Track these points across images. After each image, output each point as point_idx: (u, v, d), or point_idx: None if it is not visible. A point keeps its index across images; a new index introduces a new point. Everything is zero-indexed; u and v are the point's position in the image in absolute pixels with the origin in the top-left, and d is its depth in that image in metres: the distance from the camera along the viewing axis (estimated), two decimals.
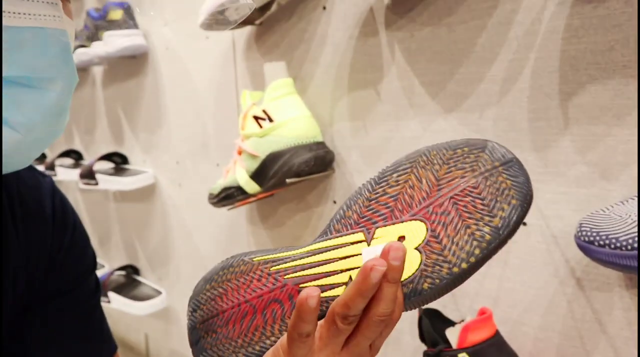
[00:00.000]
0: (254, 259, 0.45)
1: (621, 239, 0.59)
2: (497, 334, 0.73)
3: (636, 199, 0.62)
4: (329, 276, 0.43)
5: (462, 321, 0.75)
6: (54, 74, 0.43)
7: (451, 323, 0.77)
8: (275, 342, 0.43)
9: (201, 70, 1.29)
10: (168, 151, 1.44)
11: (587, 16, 0.67)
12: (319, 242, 0.44)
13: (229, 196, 1.04)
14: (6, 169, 0.45)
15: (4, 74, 0.40)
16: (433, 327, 0.76)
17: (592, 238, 0.61)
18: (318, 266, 0.43)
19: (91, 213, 1.84)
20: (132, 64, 1.50)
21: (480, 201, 0.41)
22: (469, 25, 0.78)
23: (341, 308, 0.39)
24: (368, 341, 0.41)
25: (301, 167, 0.92)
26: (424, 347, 0.77)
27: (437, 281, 0.41)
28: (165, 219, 1.51)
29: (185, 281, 1.48)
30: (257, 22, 1.08)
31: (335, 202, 1.01)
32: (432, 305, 0.81)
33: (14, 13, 0.40)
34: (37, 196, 0.62)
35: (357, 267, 0.42)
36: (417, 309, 0.79)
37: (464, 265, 0.40)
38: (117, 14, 1.39)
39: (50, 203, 0.63)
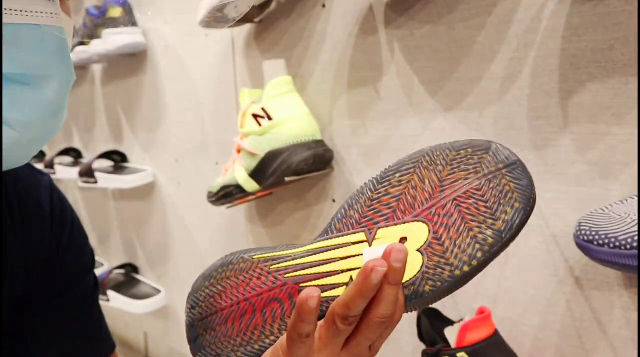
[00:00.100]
0: (254, 257, 0.45)
1: (620, 238, 0.59)
2: (495, 333, 0.73)
3: (635, 198, 0.62)
4: (330, 275, 0.42)
5: (461, 320, 0.75)
6: (51, 72, 0.43)
7: (450, 322, 0.77)
8: (274, 341, 0.43)
9: (200, 68, 1.28)
10: (167, 149, 1.44)
11: (587, 14, 0.67)
12: (319, 241, 0.44)
13: (227, 194, 1.04)
14: (3, 167, 0.45)
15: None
16: (432, 326, 0.76)
17: (591, 237, 0.61)
18: (318, 265, 0.43)
19: (90, 211, 1.83)
20: (131, 61, 1.50)
21: (483, 203, 0.41)
22: (469, 23, 0.78)
23: (341, 308, 0.39)
24: (368, 342, 0.41)
25: (300, 165, 0.92)
26: (422, 346, 0.77)
27: (439, 283, 0.40)
28: (164, 218, 1.51)
29: (184, 279, 1.48)
30: (256, 19, 1.08)
31: (334, 200, 1.01)
32: (431, 304, 0.80)
33: (10, 10, 0.39)
34: (35, 194, 0.62)
35: (358, 268, 0.42)
36: None
37: (465, 268, 0.40)
38: (116, 12, 1.39)
39: (49, 201, 0.63)
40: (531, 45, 0.72)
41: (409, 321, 0.90)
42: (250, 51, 1.13)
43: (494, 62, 0.76)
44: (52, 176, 1.61)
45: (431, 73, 0.83)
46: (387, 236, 0.42)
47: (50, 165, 1.72)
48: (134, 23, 1.40)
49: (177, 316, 1.53)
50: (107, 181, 1.50)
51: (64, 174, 1.69)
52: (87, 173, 1.52)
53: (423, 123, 0.85)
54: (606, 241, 0.60)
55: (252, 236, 1.21)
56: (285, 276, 0.43)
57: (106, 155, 1.57)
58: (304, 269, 0.43)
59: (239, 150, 1.02)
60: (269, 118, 0.96)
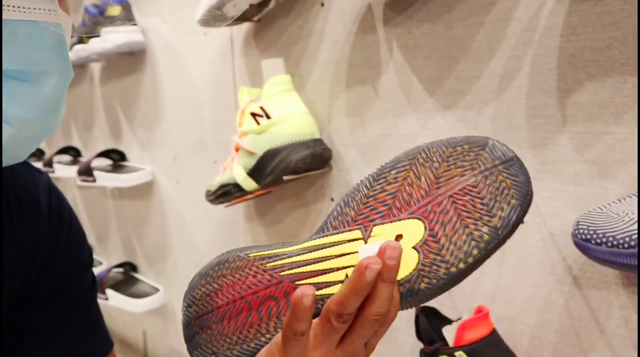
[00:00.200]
0: (250, 255, 0.45)
1: (618, 237, 0.59)
2: (493, 332, 0.73)
3: (634, 197, 0.62)
4: (326, 273, 0.42)
5: (459, 319, 0.75)
6: (49, 68, 0.43)
7: (448, 321, 0.77)
8: (270, 339, 0.43)
9: (199, 67, 1.28)
10: (166, 148, 1.44)
11: (585, 13, 0.67)
12: (315, 239, 0.44)
13: (226, 193, 1.04)
14: (2, 163, 0.45)
15: None
16: (430, 325, 0.76)
17: (589, 236, 0.61)
18: (314, 263, 0.43)
19: (89, 210, 1.83)
20: (130, 60, 1.50)
21: (479, 200, 0.41)
22: (467, 22, 0.78)
23: (336, 306, 0.39)
24: (363, 340, 0.41)
25: (298, 164, 0.92)
26: (420, 345, 0.77)
27: (434, 281, 0.40)
28: (163, 216, 1.50)
29: (183, 278, 1.48)
30: (255, 18, 1.08)
31: (332, 199, 1.01)
32: (429, 303, 0.80)
33: (9, 6, 0.39)
34: (34, 193, 0.62)
35: (354, 265, 0.42)
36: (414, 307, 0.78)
37: (461, 265, 0.40)
38: (115, 10, 1.38)
39: (47, 200, 0.63)
40: (530, 44, 0.72)
41: (407, 319, 0.90)
42: (249, 50, 1.13)
43: (493, 61, 0.76)
44: (51, 175, 1.61)
45: (430, 72, 0.83)
46: (383, 233, 0.42)
47: (49, 164, 1.72)
48: (133, 22, 1.40)
49: (175, 315, 1.53)
50: (106, 179, 1.50)
51: (63, 173, 1.69)
52: (86, 172, 1.52)
53: (422, 122, 0.85)
54: (604, 240, 0.60)
55: (251, 234, 1.21)
56: (281, 274, 0.43)
57: (105, 154, 1.57)
58: (299, 267, 0.43)
59: (237, 149, 1.02)
60: (268, 117, 0.96)
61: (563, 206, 0.71)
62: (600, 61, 0.66)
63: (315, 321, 0.41)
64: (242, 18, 1.06)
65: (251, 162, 0.98)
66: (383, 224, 0.42)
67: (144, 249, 1.62)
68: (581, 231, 0.62)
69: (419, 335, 0.78)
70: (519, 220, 0.41)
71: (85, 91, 1.72)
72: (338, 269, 0.42)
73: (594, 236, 0.60)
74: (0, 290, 0.57)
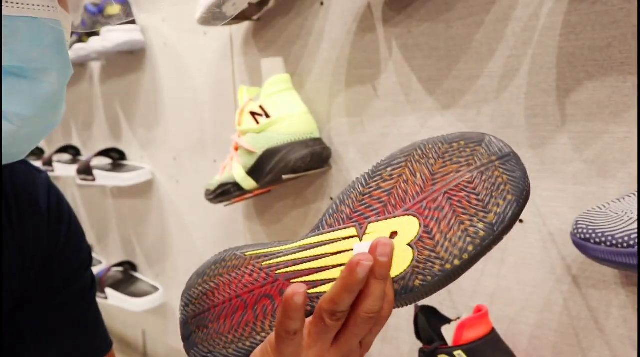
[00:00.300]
0: (246, 254, 0.45)
1: (617, 236, 0.58)
2: (493, 331, 0.73)
3: (633, 196, 0.62)
4: (321, 271, 0.42)
5: (458, 318, 0.74)
6: (47, 65, 0.42)
7: (447, 320, 0.77)
8: (265, 338, 0.43)
9: (199, 66, 1.28)
10: (165, 147, 1.44)
11: (585, 12, 0.66)
12: (311, 237, 0.43)
13: (225, 192, 1.04)
14: (2, 161, 0.45)
15: None
16: (429, 324, 0.76)
17: (588, 236, 0.61)
18: (310, 261, 0.43)
19: (88, 209, 1.83)
20: (129, 59, 1.50)
21: (475, 196, 0.41)
22: (467, 21, 0.78)
23: (328, 304, 0.38)
24: (357, 338, 0.40)
25: (298, 163, 0.92)
26: (419, 345, 0.77)
27: (429, 278, 0.40)
28: (163, 216, 1.50)
29: (182, 277, 1.48)
30: (255, 17, 1.08)
31: (332, 198, 1.01)
32: (429, 302, 0.80)
33: (7, 2, 0.39)
34: (33, 192, 0.62)
35: None
36: (413, 306, 0.78)
37: (456, 262, 0.40)
38: (114, 9, 1.38)
39: (46, 199, 0.63)
40: (529, 43, 0.72)
41: (406, 319, 0.90)
42: (249, 49, 1.13)
43: (492, 60, 0.76)
44: (51, 174, 1.61)
45: (429, 71, 0.83)
46: (378, 230, 0.41)
47: (48, 162, 1.71)
48: (132, 21, 1.40)
49: (175, 314, 1.53)
50: (105, 178, 1.50)
51: (63, 172, 1.69)
52: (86, 171, 1.52)
53: (421, 121, 0.85)
54: (603, 239, 0.60)
55: (250, 234, 1.21)
56: (276, 272, 0.43)
57: (105, 153, 1.57)
58: (295, 265, 0.43)
59: (237, 148, 1.02)
60: (267, 116, 0.96)
61: (562, 206, 0.71)
62: (599, 60, 0.66)
63: (309, 319, 0.40)
64: (242, 17, 1.06)
65: (250, 161, 0.98)
66: (378, 221, 0.42)
67: (143, 248, 1.62)
68: (580, 230, 0.62)
69: (418, 334, 0.78)
70: (516, 216, 0.40)
71: (84, 90, 1.72)
72: (333, 266, 0.42)
73: (593, 235, 0.60)
74: (1, 290, 0.57)
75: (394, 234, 0.41)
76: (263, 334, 0.43)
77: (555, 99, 0.70)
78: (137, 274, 1.64)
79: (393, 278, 0.40)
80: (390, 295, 0.40)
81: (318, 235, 0.43)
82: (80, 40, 1.50)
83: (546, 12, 0.70)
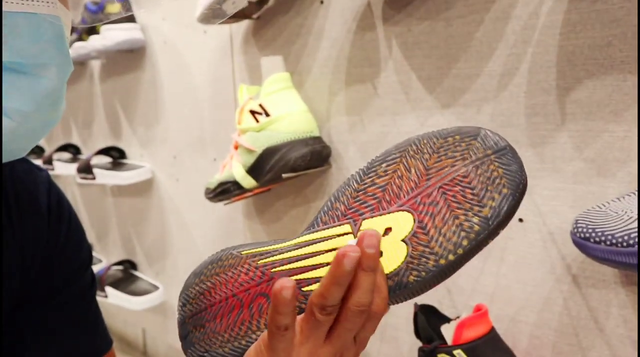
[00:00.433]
0: (243, 253, 0.44)
1: (617, 235, 0.58)
2: (492, 330, 0.73)
3: (633, 195, 0.62)
4: (316, 268, 0.42)
5: (458, 317, 0.74)
6: (47, 60, 0.42)
7: (447, 319, 0.76)
8: None
9: (199, 65, 1.28)
10: (165, 146, 1.44)
11: (585, 11, 0.66)
12: (306, 234, 0.43)
13: (225, 191, 1.04)
14: (3, 158, 0.44)
15: None
16: (428, 323, 0.75)
17: (588, 235, 0.61)
18: (305, 258, 0.42)
19: (89, 208, 1.83)
20: (129, 58, 1.50)
21: (470, 191, 0.40)
22: (467, 19, 0.78)
23: (317, 298, 0.38)
24: (350, 333, 0.40)
25: (297, 162, 0.92)
26: (419, 344, 0.77)
27: (423, 273, 0.39)
28: (163, 214, 1.50)
29: (182, 276, 1.48)
30: (255, 16, 1.07)
31: None
32: (428, 301, 0.80)
33: None
34: (33, 191, 0.62)
35: None
36: (412, 305, 0.78)
37: (451, 257, 0.39)
38: (114, 7, 1.38)
39: (46, 197, 0.63)
40: (529, 42, 0.72)
41: (405, 317, 0.90)
42: (249, 48, 1.13)
43: (492, 59, 0.76)
44: (51, 172, 1.61)
45: (429, 70, 0.83)
46: (372, 226, 0.41)
47: (49, 161, 1.71)
48: (132, 19, 1.40)
49: (175, 313, 1.52)
50: (105, 177, 1.49)
51: (63, 170, 1.69)
52: (86, 169, 1.52)
53: (421, 120, 0.85)
54: (603, 238, 0.59)
55: (250, 232, 1.21)
56: (272, 270, 0.43)
57: (105, 151, 1.57)
58: (290, 262, 0.43)
59: (236, 147, 1.02)
60: (267, 114, 0.96)
61: (562, 204, 0.71)
62: (599, 59, 0.66)
63: (301, 316, 0.40)
64: (242, 15, 1.06)
65: (250, 159, 0.98)
66: (372, 217, 0.42)
67: (143, 247, 1.62)
68: (580, 230, 0.62)
69: (418, 333, 0.78)
70: (511, 210, 0.40)
71: (84, 88, 1.72)
72: (328, 264, 0.41)
73: (593, 235, 0.60)
74: (1, 290, 0.57)
75: (388, 230, 0.41)
76: (258, 333, 0.42)
77: (555, 98, 0.70)
78: (137, 273, 1.64)
79: (387, 274, 0.40)
80: (383, 290, 0.40)
81: (313, 232, 0.43)
82: (80, 39, 1.49)
83: (546, 10, 0.70)
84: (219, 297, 0.44)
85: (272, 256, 0.43)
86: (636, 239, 0.57)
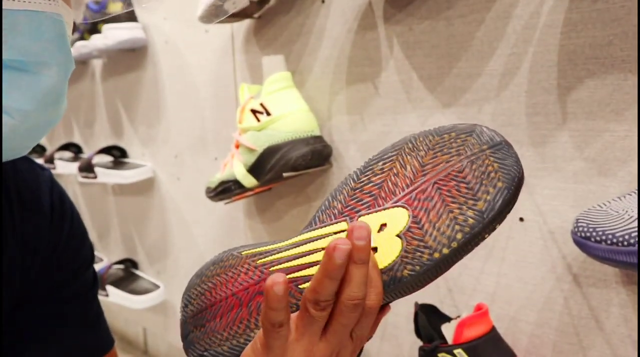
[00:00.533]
0: (243, 253, 0.45)
1: (618, 235, 0.58)
2: (493, 330, 0.73)
3: (633, 194, 0.62)
4: (313, 266, 0.42)
5: (458, 316, 0.74)
6: (48, 59, 0.42)
7: (447, 319, 0.76)
8: None
9: (200, 64, 1.28)
10: (167, 145, 1.44)
11: (586, 10, 0.66)
12: (304, 233, 0.44)
13: (226, 190, 1.04)
14: (3, 157, 0.44)
15: None
16: (429, 322, 0.76)
17: (588, 234, 0.61)
18: (303, 257, 0.43)
19: (90, 207, 1.84)
20: (131, 57, 1.50)
21: (464, 185, 0.40)
22: (468, 19, 0.78)
23: (310, 293, 0.38)
24: (345, 329, 0.40)
25: (298, 161, 0.92)
26: (419, 343, 0.77)
27: (418, 267, 0.39)
28: (164, 213, 1.51)
29: (183, 275, 1.48)
30: (256, 15, 1.08)
31: None
32: (429, 300, 0.80)
33: None
34: (35, 190, 0.61)
35: None
36: (413, 305, 0.78)
37: (445, 250, 0.39)
38: (116, 7, 1.38)
39: (49, 196, 0.63)
40: (530, 41, 0.72)
41: (405, 317, 0.90)
42: (250, 47, 1.13)
43: (493, 58, 0.76)
44: (53, 171, 1.61)
45: (430, 69, 0.83)
46: (368, 223, 0.41)
47: (50, 160, 1.72)
48: (134, 18, 1.40)
49: (176, 312, 1.53)
50: (107, 176, 1.50)
51: (64, 170, 1.69)
52: (87, 168, 1.53)
53: (422, 119, 0.85)
54: (604, 237, 0.60)
55: (251, 231, 1.21)
56: (270, 269, 0.43)
57: (106, 150, 1.57)
58: (288, 261, 0.43)
59: (237, 146, 1.02)
60: (268, 114, 0.96)
61: (563, 204, 0.71)
62: (600, 58, 0.66)
63: (296, 313, 0.40)
64: (243, 15, 1.06)
65: (251, 159, 0.98)
66: (368, 214, 0.42)
67: (144, 246, 1.62)
68: (581, 229, 0.62)
69: (418, 333, 0.78)
70: (507, 203, 0.39)
71: (86, 88, 1.72)
72: None
73: (594, 234, 0.60)
74: (0, 289, 0.57)
75: (383, 226, 0.41)
76: (257, 331, 0.43)
77: (556, 97, 0.70)
78: (138, 272, 1.64)
79: (382, 269, 0.40)
80: (377, 285, 0.40)
81: (310, 231, 0.43)
82: (82, 38, 1.50)
83: (547, 9, 0.70)
84: (219, 297, 0.44)
85: (270, 255, 0.44)
86: (636, 238, 0.57)
